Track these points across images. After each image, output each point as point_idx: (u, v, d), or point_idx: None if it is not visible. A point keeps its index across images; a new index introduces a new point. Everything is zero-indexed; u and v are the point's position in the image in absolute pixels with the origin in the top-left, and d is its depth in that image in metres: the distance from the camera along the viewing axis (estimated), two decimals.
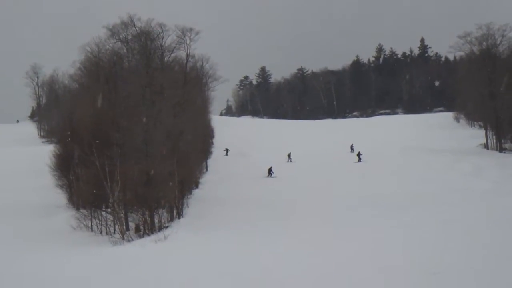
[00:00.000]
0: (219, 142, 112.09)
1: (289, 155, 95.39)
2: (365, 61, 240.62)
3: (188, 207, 59.59)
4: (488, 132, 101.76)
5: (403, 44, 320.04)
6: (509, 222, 39.98)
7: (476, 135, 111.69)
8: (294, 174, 78.96)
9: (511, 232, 35.92)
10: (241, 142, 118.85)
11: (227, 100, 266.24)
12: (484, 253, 29.75)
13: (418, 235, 37.75)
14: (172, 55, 72.57)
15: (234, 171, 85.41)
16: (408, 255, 31.06)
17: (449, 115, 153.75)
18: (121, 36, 65.52)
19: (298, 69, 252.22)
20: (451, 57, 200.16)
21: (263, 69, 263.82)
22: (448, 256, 30.07)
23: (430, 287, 24.42)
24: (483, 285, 24.02)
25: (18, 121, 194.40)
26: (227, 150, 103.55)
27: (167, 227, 50.93)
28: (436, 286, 24.58)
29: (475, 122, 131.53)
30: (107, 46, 66.30)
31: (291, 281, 27.12)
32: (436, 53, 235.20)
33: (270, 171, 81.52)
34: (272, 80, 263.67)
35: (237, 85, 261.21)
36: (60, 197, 63.43)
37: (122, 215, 52.61)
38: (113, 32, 65.04)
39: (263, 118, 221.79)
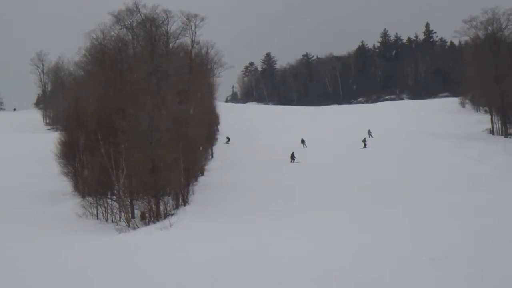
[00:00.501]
0: (225, 129, 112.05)
1: (302, 141, 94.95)
2: (370, 46, 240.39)
3: (193, 194, 59.56)
4: (493, 117, 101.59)
5: (408, 29, 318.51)
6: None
7: (482, 120, 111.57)
8: (301, 161, 78.84)
9: None
10: (246, 128, 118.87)
11: (233, 87, 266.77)
12: (486, 240, 29.72)
13: (422, 221, 37.75)
14: (177, 41, 72.75)
15: (239, 158, 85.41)
16: (409, 240, 31.07)
17: (455, 100, 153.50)
18: (126, 23, 65.61)
19: (303, 55, 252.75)
20: (456, 42, 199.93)
21: (268, 55, 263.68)
22: (449, 241, 30.07)
23: (431, 272, 24.38)
24: (483, 271, 23.99)
25: (15, 109, 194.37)
26: (228, 138, 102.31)
27: (172, 214, 50.86)
28: (436, 271, 24.56)
29: (481, 107, 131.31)
30: (112, 33, 66.34)
31: (298, 266, 27.13)
32: (441, 38, 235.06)
33: (292, 156, 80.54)
34: (277, 66, 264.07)
35: (242, 71, 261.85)
36: (65, 184, 63.39)
37: (127, 202, 52.60)
38: (118, 18, 65.10)
39: (268, 104, 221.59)
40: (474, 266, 24.91)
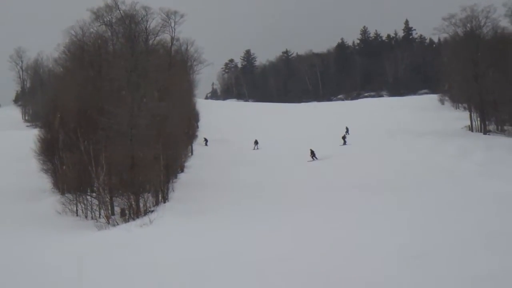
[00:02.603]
0: (204, 125, 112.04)
1: (255, 142, 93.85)
2: (350, 43, 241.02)
3: (173, 191, 59.51)
4: (472, 114, 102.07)
5: (387, 27, 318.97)
6: (493, 204, 40.08)
7: (461, 117, 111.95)
8: (277, 158, 78.85)
9: (495, 214, 35.99)
10: (226, 125, 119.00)
11: (212, 84, 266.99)
12: (467, 236, 29.81)
13: (402, 218, 37.80)
14: (157, 38, 72.72)
15: (220, 155, 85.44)
16: (389, 238, 31.08)
17: (434, 97, 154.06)
18: (105, 19, 65.43)
19: (283, 52, 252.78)
20: (435, 39, 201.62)
21: (248, 52, 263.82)
22: (430, 239, 30.12)
23: (411, 271, 24.42)
24: (464, 268, 24.08)
25: (0, 105, 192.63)
26: (206, 140, 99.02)
27: (152, 211, 50.86)
28: (419, 269, 24.61)
29: (460, 104, 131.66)
30: (92, 30, 66.24)
31: (278, 261, 27.15)
32: (421, 35, 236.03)
33: (313, 154, 78.20)
34: (257, 63, 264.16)
35: (222, 68, 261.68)
36: (45, 181, 63.31)
37: (107, 199, 52.58)
38: (97, 15, 64.91)
39: (248, 101, 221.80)
40: (455, 262, 24.98)
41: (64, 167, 60.31)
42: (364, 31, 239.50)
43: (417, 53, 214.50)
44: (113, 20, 65.35)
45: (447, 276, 23.17)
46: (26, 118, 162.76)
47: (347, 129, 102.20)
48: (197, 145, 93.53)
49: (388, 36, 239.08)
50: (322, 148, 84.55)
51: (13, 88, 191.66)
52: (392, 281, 23.17)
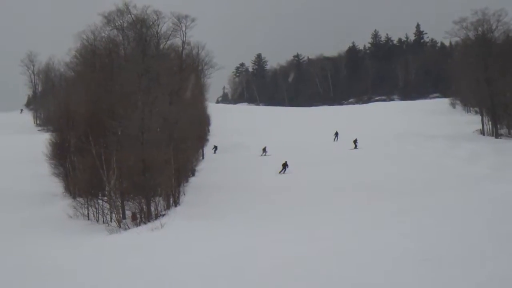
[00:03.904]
0: (216, 129, 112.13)
1: (264, 149, 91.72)
2: (361, 47, 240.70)
3: (184, 195, 59.56)
4: (484, 118, 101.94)
5: (398, 30, 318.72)
6: (504, 209, 39.97)
7: (472, 121, 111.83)
8: (289, 162, 78.80)
9: (506, 219, 35.90)
10: (237, 129, 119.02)
11: (223, 88, 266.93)
12: (476, 240, 29.74)
13: (412, 221, 37.72)
14: (168, 42, 72.86)
15: (231, 159, 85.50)
16: (399, 241, 31.02)
17: (445, 101, 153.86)
18: (116, 24, 65.55)
19: (294, 56, 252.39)
20: (447, 43, 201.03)
21: (259, 56, 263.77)
22: (440, 242, 30.06)
23: (418, 275, 24.36)
24: (474, 272, 24.03)
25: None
26: (215, 147, 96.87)
27: (163, 215, 50.93)
28: (425, 272, 24.55)
29: (471, 108, 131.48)
30: (103, 34, 66.41)
31: (289, 267, 27.14)
32: (432, 39, 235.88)
33: (284, 166, 73.43)
34: (268, 67, 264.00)
35: (233, 72, 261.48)
36: (56, 185, 63.46)
37: (118, 203, 52.67)
38: (108, 19, 65.04)
39: (259, 105, 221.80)
40: (465, 266, 24.93)
41: (75, 171, 60.46)
42: (375, 35, 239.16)
43: (429, 57, 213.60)
44: (125, 25, 65.49)
45: (455, 280, 23.11)
46: (38, 122, 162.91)
47: (336, 133, 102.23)
48: (209, 149, 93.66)
49: (399, 40, 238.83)
50: (332, 151, 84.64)
51: (25, 92, 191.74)
52: (399, 285, 23.13)
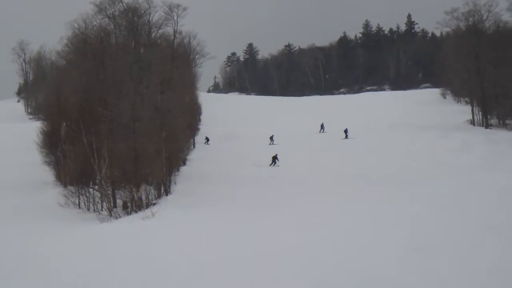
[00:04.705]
0: (207, 119, 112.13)
1: (271, 138, 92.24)
2: (352, 37, 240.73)
3: (175, 184, 59.50)
4: (474, 108, 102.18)
5: (390, 20, 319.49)
6: (495, 197, 40.19)
7: (463, 111, 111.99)
8: (281, 152, 78.80)
9: (497, 208, 36.09)
10: (229, 119, 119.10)
11: (215, 77, 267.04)
12: (469, 230, 29.91)
13: (403, 211, 37.87)
14: (160, 31, 72.91)
15: (221, 148, 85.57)
16: (390, 231, 31.14)
17: (436, 91, 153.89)
18: (108, 12, 65.47)
19: (285, 46, 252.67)
20: (438, 33, 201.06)
21: (250, 46, 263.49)
22: (432, 231, 30.21)
23: (412, 265, 24.46)
24: (466, 261, 24.16)
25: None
26: (207, 138, 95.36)
27: (154, 204, 50.95)
28: (418, 262, 24.66)
29: (462, 98, 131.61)
30: (94, 22, 66.33)
31: (282, 255, 27.22)
32: (423, 29, 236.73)
33: (275, 159, 72.13)
34: (259, 56, 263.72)
35: (224, 61, 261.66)
36: (47, 174, 63.43)
37: (109, 192, 52.63)
38: (100, 8, 64.97)
39: (250, 94, 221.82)
40: (457, 255, 25.05)
41: (66, 159, 60.42)
42: (366, 25, 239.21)
43: (419, 47, 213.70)
44: (116, 13, 65.42)
45: (448, 269, 23.25)
46: (29, 110, 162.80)
47: (322, 125, 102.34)
48: (200, 138, 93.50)
49: (391, 30, 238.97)
50: (324, 141, 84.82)
51: (16, 80, 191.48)
52: (393, 274, 23.24)
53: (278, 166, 70.82)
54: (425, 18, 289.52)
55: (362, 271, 23.85)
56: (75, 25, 66.88)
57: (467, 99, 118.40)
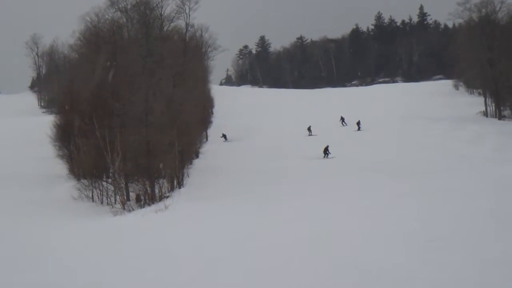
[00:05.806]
0: (220, 112, 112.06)
1: (309, 129, 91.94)
2: (364, 29, 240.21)
3: (188, 177, 59.61)
4: (487, 100, 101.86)
5: (402, 12, 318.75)
6: (507, 189, 40.03)
7: (475, 102, 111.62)
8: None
9: (508, 200, 35.95)
10: (241, 111, 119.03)
11: (227, 70, 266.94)
12: (479, 222, 29.80)
13: (414, 203, 37.76)
14: (172, 24, 72.89)
15: (235, 141, 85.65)
16: (400, 223, 31.05)
17: (448, 82, 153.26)
18: (120, 6, 65.60)
19: (297, 38, 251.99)
20: (450, 25, 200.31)
21: (262, 38, 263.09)
22: (445, 224, 30.12)
23: (421, 256, 24.38)
24: (476, 253, 24.09)
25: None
26: (224, 136, 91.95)
27: (167, 197, 51.12)
28: (430, 254, 24.58)
29: (474, 90, 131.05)
30: (107, 16, 66.49)
31: (295, 248, 27.22)
32: (435, 20, 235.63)
33: (326, 151, 71.06)
34: (271, 49, 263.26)
35: (236, 54, 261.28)
36: (61, 167, 63.58)
37: (122, 185, 52.86)
38: (112, 1, 65.14)
39: (262, 87, 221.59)
40: (470, 247, 24.97)
41: (79, 153, 60.61)
42: (379, 17, 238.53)
43: (432, 39, 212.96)
44: (128, 6, 65.53)
45: (458, 260, 23.15)
46: (42, 104, 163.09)
47: (342, 118, 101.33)
48: (212, 131, 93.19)
49: (403, 21, 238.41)
50: (336, 134, 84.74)
51: (29, 74, 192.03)
52: (401, 266, 23.17)
53: (333, 157, 69.63)
54: (437, 10, 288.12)
55: (368, 262, 23.82)
56: (87, 19, 67.13)
57: (479, 90, 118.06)
